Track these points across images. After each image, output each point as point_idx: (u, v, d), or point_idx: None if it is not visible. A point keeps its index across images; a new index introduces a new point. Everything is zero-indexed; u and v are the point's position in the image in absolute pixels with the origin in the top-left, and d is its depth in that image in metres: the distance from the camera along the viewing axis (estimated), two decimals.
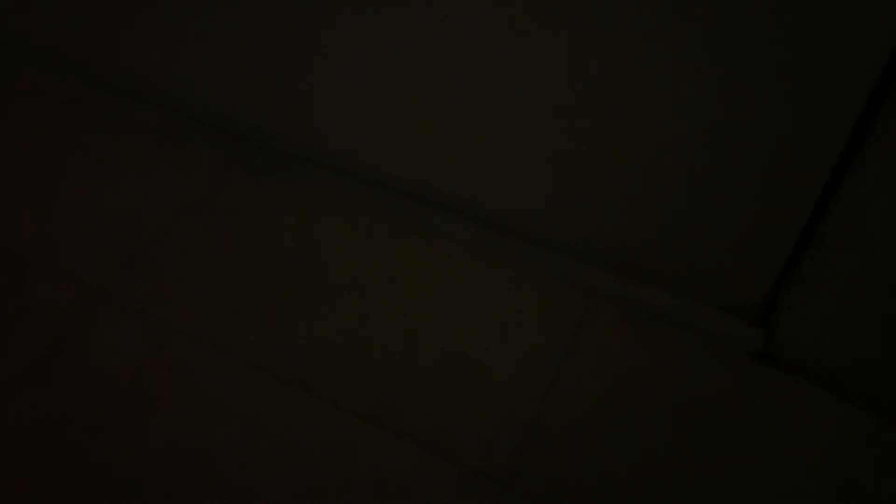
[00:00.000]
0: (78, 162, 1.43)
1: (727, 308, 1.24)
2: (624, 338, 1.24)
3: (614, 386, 1.20)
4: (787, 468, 1.13)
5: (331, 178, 1.38)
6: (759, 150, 1.04)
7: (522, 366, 1.21)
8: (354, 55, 1.21)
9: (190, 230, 1.35)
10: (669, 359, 1.22)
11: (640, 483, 1.12)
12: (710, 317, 1.24)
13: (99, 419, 1.15)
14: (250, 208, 1.37)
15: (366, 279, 1.29)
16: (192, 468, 1.12)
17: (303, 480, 1.11)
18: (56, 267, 1.30)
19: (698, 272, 1.22)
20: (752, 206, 1.10)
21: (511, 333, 1.24)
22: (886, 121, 0.93)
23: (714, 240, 1.17)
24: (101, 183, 1.40)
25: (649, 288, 1.26)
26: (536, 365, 1.21)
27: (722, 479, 1.12)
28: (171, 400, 1.17)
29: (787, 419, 1.17)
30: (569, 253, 1.29)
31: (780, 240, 1.12)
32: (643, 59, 1.02)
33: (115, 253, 1.32)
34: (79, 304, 1.26)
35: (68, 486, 1.10)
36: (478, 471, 1.12)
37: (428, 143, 1.27)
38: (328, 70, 1.25)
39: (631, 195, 1.17)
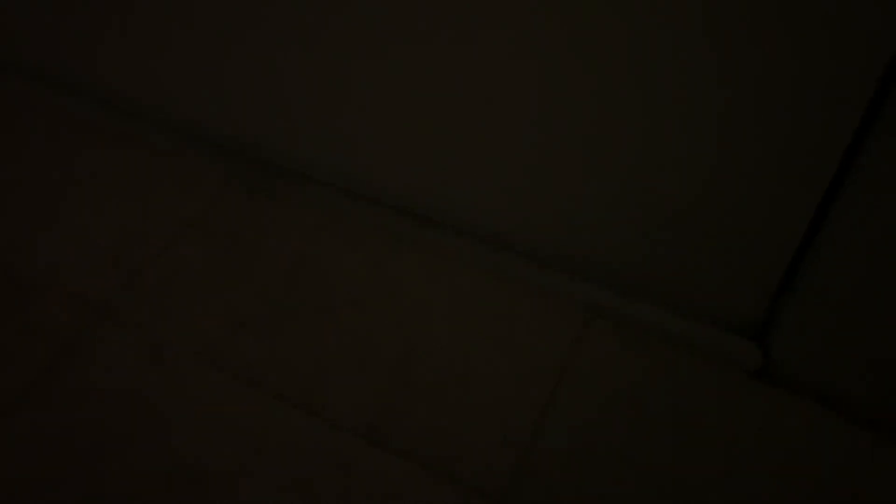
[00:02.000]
0: (77, 180, 1.44)
1: (724, 325, 1.24)
2: (622, 354, 1.24)
3: (612, 402, 1.20)
4: (785, 484, 1.13)
5: (329, 195, 1.38)
6: (755, 166, 1.05)
7: (521, 381, 1.21)
8: (351, 72, 1.21)
9: (189, 247, 1.35)
10: (667, 375, 1.22)
11: (638, 499, 1.12)
12: (708, 333, 1.24)
13: (100, 436, 1.15)
14: (249, 225, 1.38)
15: (364, 295, 1.30)
16: (192, 484, 1.12)
17: (300, 497, 1.11)
18: (56, 285, 1.30)
19: (696, 289, 1.22)
20: (749, 223, 1.11)
21: (509, 349, 1.24)
22: (881, 139, 0.94)
23: (711, 256, 1.17)
24: (101, 201, 1.41)
25: (647, 304, 1.26)
26: (534, 381, 1.21)
27: (720, 496, 1.12)
28: (172, 416, 1.17)
29: (785, 436, 1.17)
30: (567, 268, 1.29)
31: (776, 256, 1.13)
32: (639, 80, 1.03)
33: (115, 270, 1.32)
34: (79, 322, 1.26)
35: (70, 503, 1.10)
36: (476, 487, 1.12)
37: (425, 159, 1.27)
38: (326, 88, 1.25)
39: (628, 211, 1.17)
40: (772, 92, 0.97)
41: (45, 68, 1.51)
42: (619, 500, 1.12)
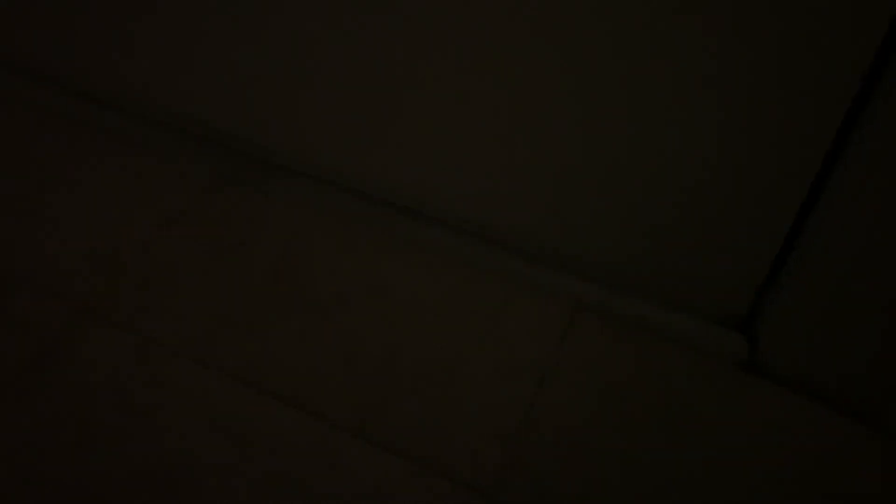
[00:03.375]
0: (63, 175, 1.43)
1: (712, 318, 1.24)
2: (609, 348, 1.24)
3: (600, 396, 1.20)
4: (773, 477, 1.13)
5: (317, 191, 1.38)
6: (741, 160, 1.05)
7: (509, 377, 1.21)
8: (342, 68, 1.21)
9: (176, 244, 1.35)
10: (655, 369, 1.22)
11: (626, 493, 1.12)
12: (695, 327, 1.24)
13: (87, 432, 1.15)
14: (237, 221, 1.37)
15: (351, 291, 1.30)
16: (180, 481, 1.12)
17: (289, 494, 1.11)
18: (40, 281, 1.30)
19: (683, 282, 1.22)
20: (736, 215, 1.11)
21: (497, 344, 1.24)
22: (865, 132, 0.94)
23: (698, 250, 1.17)
24: (87, 196, 1.40)
25: (634, 298, 1.26)
26: (523, 376, 1.22)
27: (708, 489, 1.13)
28: (156, 414, 1.17)
29: (772, 428, 1.17)
30: (554, 264, 1.29)
31: (763, 249, 1.13)
32: (626, 76, 1.03)
33: (101, 267, 1.32)
34: (64, 319, 1.26)
35: (53, 501, 1.10)
36: (465, 482, 1.12)
37: (414, 155, 1.27)
38: (315, 83, 1.25)
39: (616, 207, 1.17)
40: (758, 87, 0.97)
41: (31, 64, 1.50)
42: (608, 493, 1.12)
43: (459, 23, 1.08)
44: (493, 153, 1.20)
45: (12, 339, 1.23)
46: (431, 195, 1.31)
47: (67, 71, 1.47)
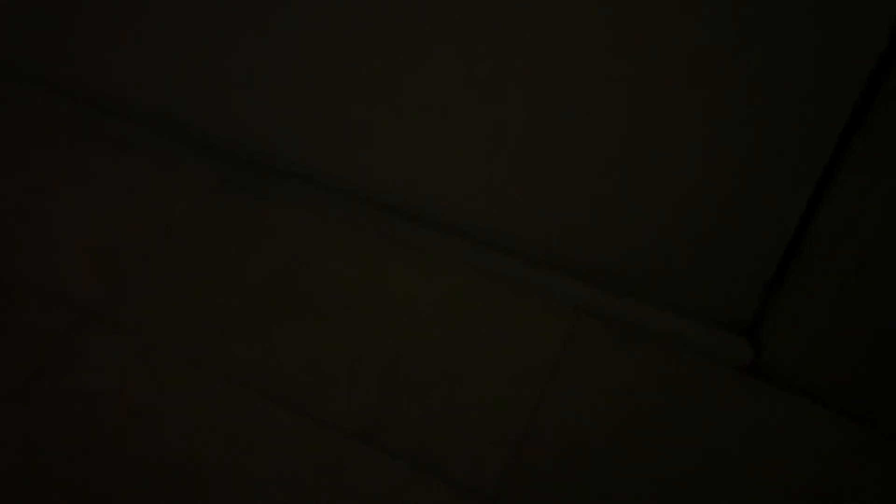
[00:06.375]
0: (69, 182, 1.43)
1: (716, 322, 1.24)
2: (613, 352, 1.24)
3: (603, 400, 1.20)
4: (776, 481, 1.13)
5: (320, 195, 1.38)
6: (745, 162, 1.05)
7: (511, 381, 1.21)
8: (342, 72, 1.21)
9: (180, 249, 1.35)
10: (658, 373, 1.22)
11: (629, 497, 1.12)
12: (699, 331, 1.24)
13: (90, 436, 1.15)
14: (240, 226, 1.38)
15: (354, 295, 1.30)
16: (179, 487, 1.12)
17: (293, 497, 1.11)
18: (45, 286, 1.30)
19: (687, 286, 1.22)
20: (740, 219, 1.11)
21: (500, 349, 1.24)
22: (870, 135, 0.94)
23: (702, 254, 1.17)
24: (90, 202, 1.40)
25: (637, 302, 1.26)
26: (525, 380, 1.21)
27: (711, 493, 1.12)
28: (159, 418, 1.17)
29: (776, 432, 1.17)
30: (557, 268, 1.29)
31: (767, 253, 1.13)
32: (626, 78, 1.03)
33: (105, 272, 1.32)
34: (68, 324, 1.26)
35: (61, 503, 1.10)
36: (467, 487, 1.12)
37: (417, 160, 1.27)
38: (316, 88, 1.25)
39: (618, 210, 1.17)
40: (761, 88, 0.97)
41: (32, 70, 1.51)
42: (611, 498, 1.12)
43: (460, 26, 1.08)
44: (495, 156, 1.20)
45: (18, 345, 1.24)
46: (433, 199, 1.31)
47: (69, 76, 1.48)
